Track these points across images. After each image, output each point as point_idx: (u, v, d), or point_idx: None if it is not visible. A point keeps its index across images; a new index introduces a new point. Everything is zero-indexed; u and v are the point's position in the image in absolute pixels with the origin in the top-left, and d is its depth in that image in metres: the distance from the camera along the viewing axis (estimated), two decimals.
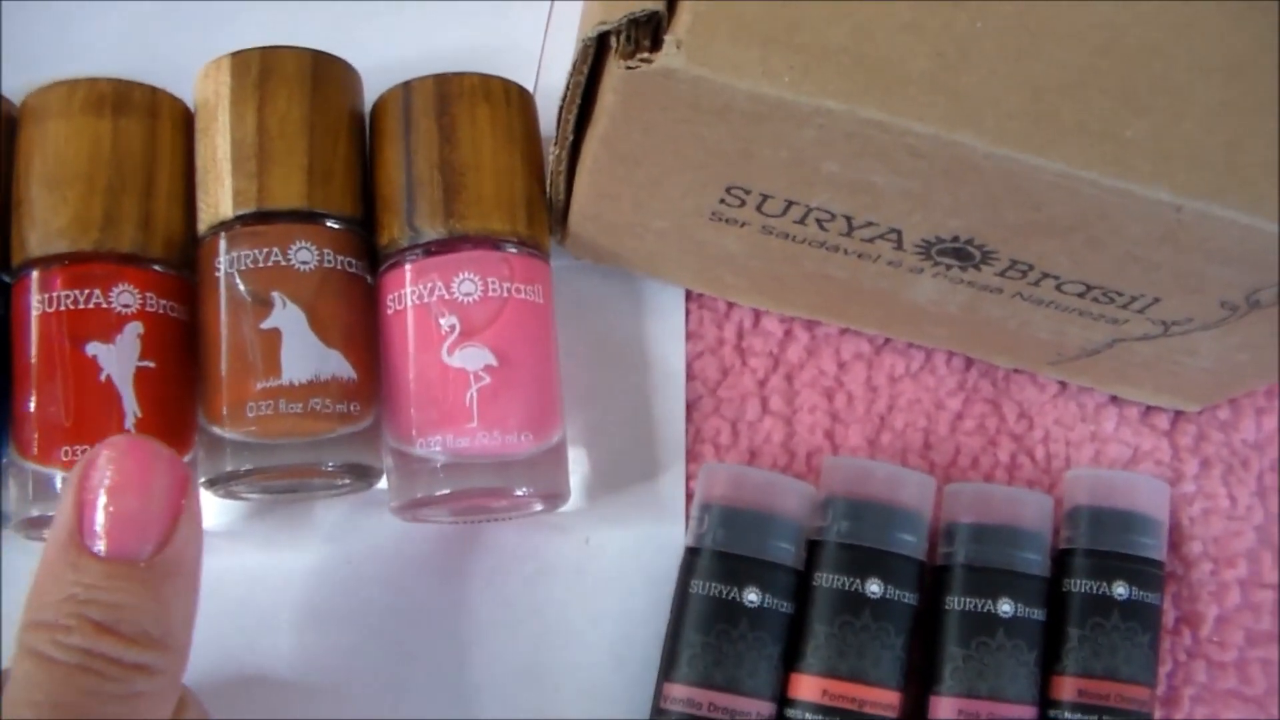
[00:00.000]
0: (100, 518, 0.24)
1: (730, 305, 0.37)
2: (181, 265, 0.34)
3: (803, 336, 0.37)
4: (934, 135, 0.28)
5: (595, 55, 0.29)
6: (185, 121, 0.35)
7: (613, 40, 0.28)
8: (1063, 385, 0.37)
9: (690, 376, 0.36)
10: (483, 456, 0.32)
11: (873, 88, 0.27)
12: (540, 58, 0.38)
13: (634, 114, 0.29)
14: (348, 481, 0.34)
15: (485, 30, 0.39)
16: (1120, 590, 0.34)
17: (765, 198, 0.31)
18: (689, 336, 0.37)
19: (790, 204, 0.31)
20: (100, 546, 0.24)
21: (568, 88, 0.30)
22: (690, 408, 0.36)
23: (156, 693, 0.24)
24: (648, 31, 0.28)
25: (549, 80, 0.36)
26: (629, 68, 0.27)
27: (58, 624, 0.23)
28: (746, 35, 0.27)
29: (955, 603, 0.34)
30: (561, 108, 0.31)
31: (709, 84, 0.27)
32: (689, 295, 0.37)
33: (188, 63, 0.35)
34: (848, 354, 0.37)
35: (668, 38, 0.27)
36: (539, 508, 0.34)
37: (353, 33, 0.34)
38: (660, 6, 0.27)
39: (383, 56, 0.36)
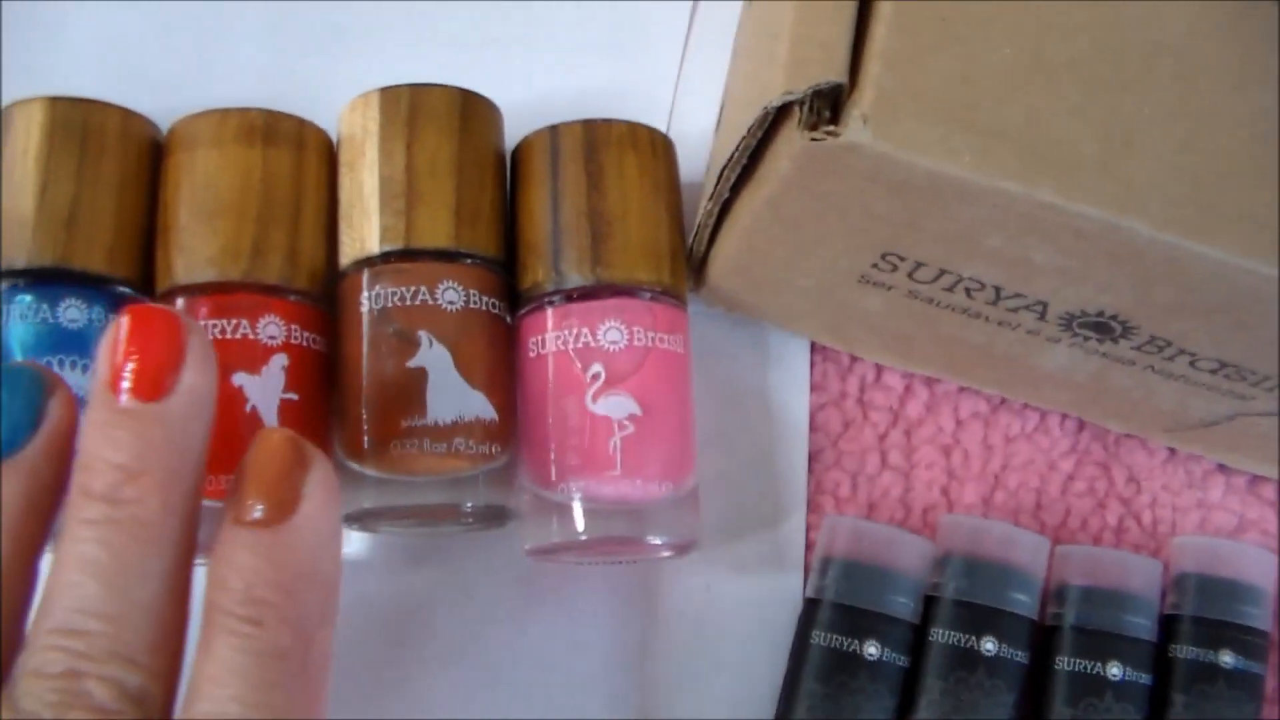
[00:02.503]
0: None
1: (853, 359, 0.38)
2: (321, 298, 0.34)
3: (922, 393, 0.37)
4: (1103, 219, 0.28)
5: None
6: (329, 154, 0.35)
7: (796, 110, 0.28)
8: (1171, 451, 0.38)
9: (813, 428, 0.37)
10: (623, 504, 0.32)
11: (1047, 171, 0.28)
12: (672, 106, 0.39)
13: (807, 182, 0.29)
14: (482, 521, 0.34)
15: (608, 74, 0.40)
16: (1227, 659, 0.35)
17: (919, 265, 0.31)
18: (813, 388, 0.37)
19: (943, 273, 0.31)
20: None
21: (737, 149, 0.30)
22: (812, 459, 0.37)
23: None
24: (828, 103, 0.28)
25: (678, 127, 0.37)
26: (814, 139, 0.28)
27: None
28: (928, 114, 0.28)
29: (1065, 663, 0.35)
30: (725, 166, 0.31)
31: (890, 160, 0.28)
32: (813, 346, 0.38)
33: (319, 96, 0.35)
34: (965, 412, 0.37)
35: (854, 112, 0.28)
36: (669, 554, 0.34)
37: (470, 72, 0.34)
38: (843, 80, 0.28)
39: (506, 97, 0.36)
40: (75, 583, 0.24)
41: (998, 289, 0.32)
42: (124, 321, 0.26)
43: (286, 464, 0.26)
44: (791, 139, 0.29)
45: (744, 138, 0.30)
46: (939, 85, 0.28)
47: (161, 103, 0.35)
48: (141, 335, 0.26)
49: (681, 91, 0.39)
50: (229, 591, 0.25)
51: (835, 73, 0.28)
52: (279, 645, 0.24)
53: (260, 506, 0.25)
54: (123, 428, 0.25)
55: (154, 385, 0.25)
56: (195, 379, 0.26)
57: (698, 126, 0.38)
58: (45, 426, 0.26)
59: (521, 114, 0.36)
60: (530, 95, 0.36)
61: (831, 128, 0.28)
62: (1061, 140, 0.28)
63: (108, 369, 0.26)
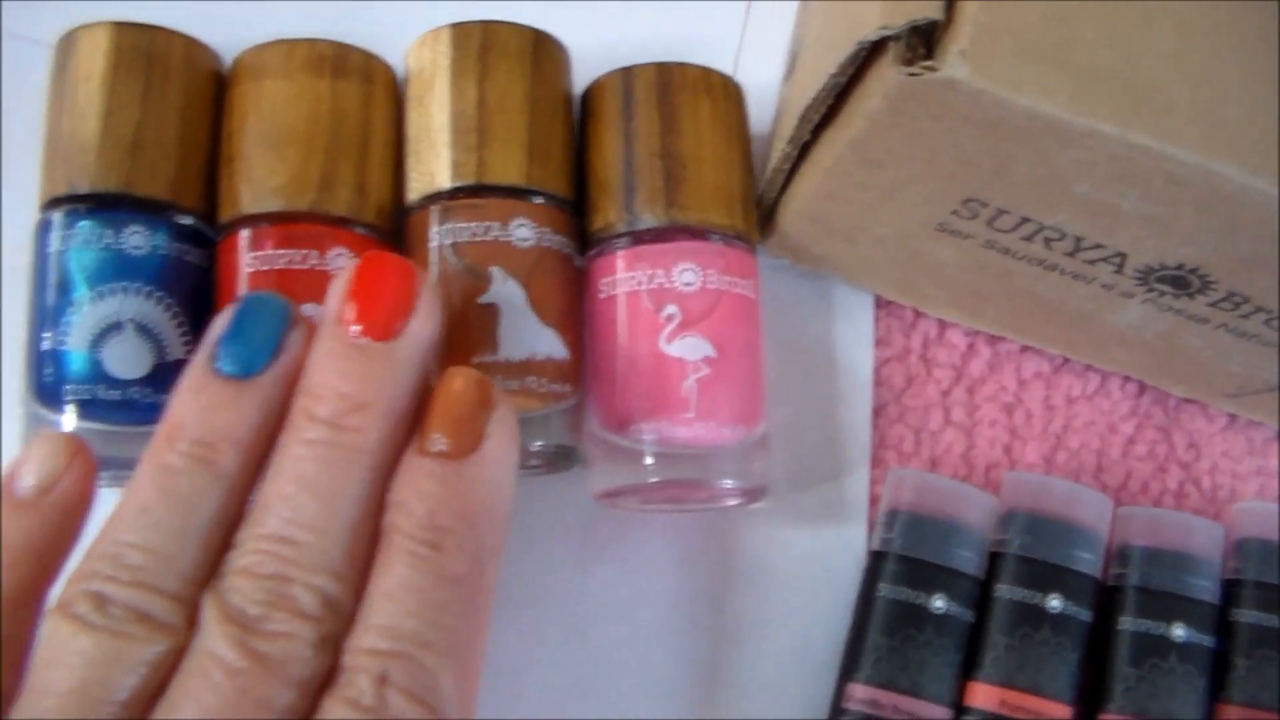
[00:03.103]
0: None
1: (917, 314, 0.37)
2: (387, 233, 0.33)
3: (985, 351, 0.37)
4: (1197, 164, 0.28)
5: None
6: (394, 89, 0.34)
7: (890, 46, 0.28)
8: (1231, 418, 0.38)
9: (876, 383, 0.36)
10: (695, 447, 0.32)
11: (1142, 113, 0.28)
12: (737, 56, 0.38)
13: (899, 120, 0.29)
14: (549, 463, 0.33)
15: (671, 23, 0.39)
16: None
17: (1001, 213, 0.31)
18: (876, 343, 0.37)
19: (1024, 220, 0.31)
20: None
21: (824, 87, 0.30)
22: (875, 413, 0.36)
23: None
24: (922, 39, 0.28)
25: (742, 78, 0.36)
26: (911, 74, 0.27)
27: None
28: (1026, 52, 0.28)
29: (1129, 623, 0.35)
30: (808, 107, 0.31)
31: (988, 97, 0.27)
32: (877, 302, 0.37)
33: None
34: (1028, 372, 0.37)
35: (952, 48, 0.27)
36: (737, 501, 0.34)
37: (529, 16, 0.34)
38: (940, 16, 0.28)
39: (568, 43, 0.35)
40: (291, 495, 0.26)
41: (1078, 239, 0.31)
42: (362, 263, 0.28)
43: (474, 402, 0.27)
44: (884, 75, 0.28)
45: (833, 74, 0.29)
46: (1035, 24, 0.28)
47: (220, 36, 0.34)
48: (379, 278, 0.28)
49: (746, 42, 0.38)
50: (411, 516, 0.26)
51: (933, 9, 0.28)
52: (455, 570, 0.25)
53: (446, 440, 0.27)
54: (353, 360, 0.27)
55: (385, 326, 0.27)
56: (421, 327, 0.28)
57: (762, 78, 0.37)
58: (283, 357, 0.27)
59: (584, 59, 0.35)
60: (593, 42, 0.35)
61: (929, 62, 0.27)
62: (1157, 83, 0.28)
63: (341, 304, 0.28)
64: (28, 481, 0.27)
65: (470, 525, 0.26)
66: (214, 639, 0.24)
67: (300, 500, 0.25)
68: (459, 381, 0.28)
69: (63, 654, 0.24)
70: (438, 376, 0.28)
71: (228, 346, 0.27)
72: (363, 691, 0.24)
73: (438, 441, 0.27)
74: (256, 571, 0.25)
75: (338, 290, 0.28)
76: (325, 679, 0.25)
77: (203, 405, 0.27)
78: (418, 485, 0.26)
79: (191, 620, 0.25)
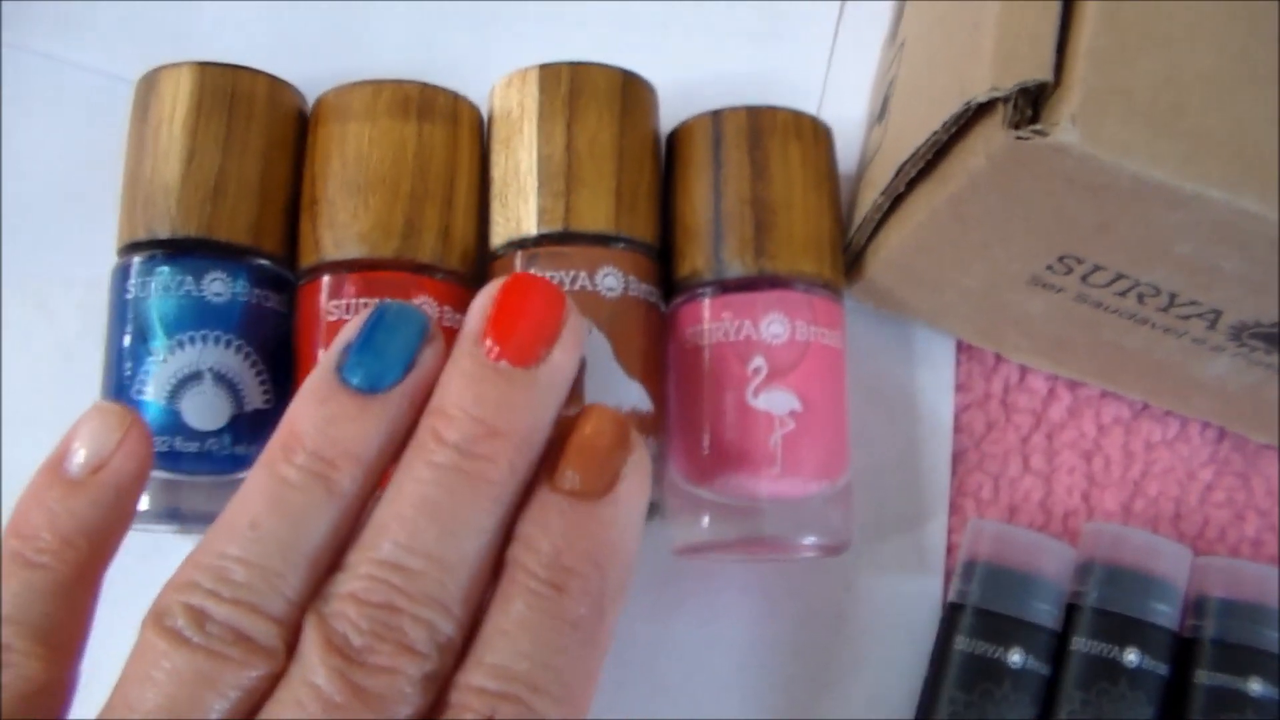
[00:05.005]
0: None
1: (998, 359, 0.37)
2: (470, 279, 0.33)
3: (1065, 396, 0.37)
4: None
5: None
6: (480, 130, 0.34)
7: (999, 107, 0.28)
8: None
9: (956, 429, 0.36)
10: (780, 502, 0.32)
11: (1250, 179, 0.27)
12: (821, 96, 0.38)
13: (1001, 181, 0.29)
14: None
15: (756, 61, 0.39)
16: None
17: (1097, 269, 0.31)
18: (957, 388, 0.36)
19: (1120, 277, 0.31)
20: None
21: (924, 143, 0.30)
22: (955, 460, 0.36)
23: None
24: (1030, 101, 0.27)
25: (826, 117, 0.36)
26: (1019, 138, 0.27)
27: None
28: (1135, 117, 0.27)
29: (1205, 678, 0.35)
30: (907, 161, 0.30)
31: (1096, 162, 0.27)
32: (959, 345, 0.37)
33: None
34: (1107, 417, 0.37)
35: (1064, 111, 0.27)
36: (817, 554, 0.34)
37: (612, 53, 0.33)
38: (1050, 78, 0.27)
39: (651, 80, 0.35)
40: (409, 519, 0.24)
41: (1173, 295, 0.31)
42: (506, 283, 0.27)
43: (612, 443, 0.26)
44: (991, 136, 0.28)
45: (936, 132, 0.29)
46: (1145, 88, 0.27)
47: (305, 71, 0.34)
48: (525, 301, 0.26)
49: (830, 81, 0.38)
50: (537, 554, 0.25)
51: (1042, 70, 0.27)
52: (576, 614, 0.25)
53: (580, 478, 0.26)
54: (491, 384, 0.26)
55: (528, 352, 0.26)
56: (564, 357, 0.26)
57: (847, 116, 0.37)
58: (415, 374, 0.26)
59: (665, 96, 0.35)
60: (674, 79, 0.35)
61: (1038, 126, 0.27)
62: (1266, 148, 0.28)
63: (483, 324, 0.26)
64: (78, 458, 0.26)
65: (596, 568, 0.25)
66: (314, 668, 0.23)
67: (419, 525, 0.24)
68: (599, 419, 0.27)
69: (153, 670, 0.23)
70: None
71: (358, 356, 0.26)
72: None
73: (572, 479, 0.26)
74: (365, 599, 0.24)
75: (480, 309, 0.27)
76: (427, 717, 0.24)
77: (325, 416, 0.25)
78: (546, 522, 0.25)
79: (291, 644, 0.24)
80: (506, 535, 0.26)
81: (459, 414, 0.25)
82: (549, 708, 0.24)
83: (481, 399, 0.25)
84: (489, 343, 0.26)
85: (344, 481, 0.25)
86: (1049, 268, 0.31)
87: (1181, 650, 0.35)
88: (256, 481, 0.25)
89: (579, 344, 0.27)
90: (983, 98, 0.27)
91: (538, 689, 0.24)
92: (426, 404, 0.26)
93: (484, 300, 0.27)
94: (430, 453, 0.25)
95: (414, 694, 0.23)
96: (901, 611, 0.35)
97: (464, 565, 0.24)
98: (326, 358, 0.26)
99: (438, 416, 0.25)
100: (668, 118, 0.35)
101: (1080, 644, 0.34)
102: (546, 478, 0.26)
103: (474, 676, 0.24)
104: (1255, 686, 0.34)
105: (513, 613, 0.24)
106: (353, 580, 0.24)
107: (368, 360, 0.26)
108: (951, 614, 0.34)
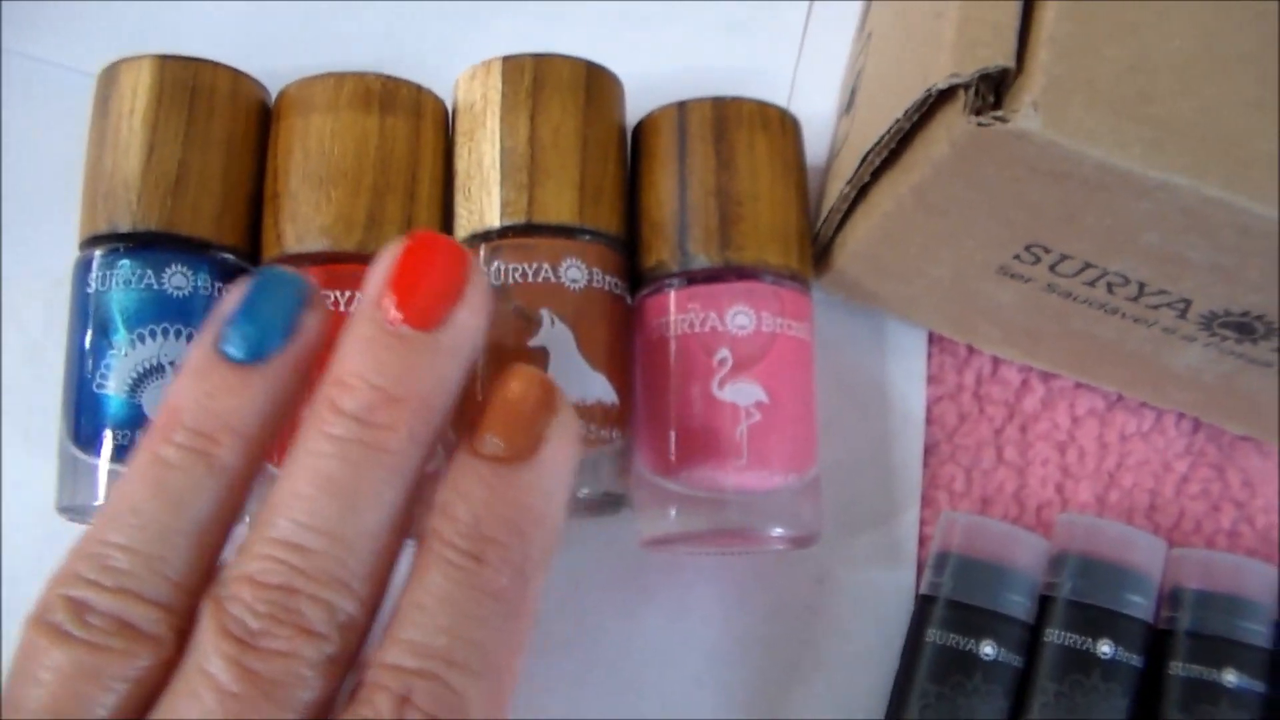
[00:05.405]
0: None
1: (970, 350, 0.37)
2: None
3: (1039, 388, 0.36)
4: (1270, 217, 0.27)
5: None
6: (445, 123, 0.34)
7: (960, 94, 0.27)
8: None
9: (929, 421, 0.36)
10: (746, 494, 0.31)
11: (1217, 166, 0.27)
12: (791, 87, 0.37)
13: (963, 169, 0.28)
14: (595, 508, 0.33)
15: (725, 53, 0.38)
16: None
17: (1064, 258, 0.30)
18: (929, 380, 0.36)
19: (1088, 266, 0.30)
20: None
21: (888, 131, 0.29)
22: (927, 452, 0.36)
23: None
24: (992, 87, 0.27)
25: (796, 109, 0.35)
26: (980, 124, 0.27)
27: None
28: (1100, 103, 0.27)
29: (1180, 669, 0.34)
30: (871, 150, 0.30)
31: (1059, 149, 0.27)
32: (930, 337, 0.37)
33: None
34: (1082, 409, 0.37)
35: (1025, 98, 0.26)
36: (785, 546, 0.33)
37: (579, 46, 0.33)
38: (1012, 64, 0.27)
39: (617, 72, 0.34)
40: (307, 496, 0.23)
41: (1142, 285, 0.31)
42: (407, 244, 0.25)
43: (536, 404, 0.25)
44: (953, 123, 0.27)
45: (898, 120, 0.29)
46: (1110, 75, 0.27)
47: (267, 65, 0.34)
48: (424, 261, 0.25)
49: (801, 73, 0.38)
50: (454, 523, 0.24)
51: (1004, 56, 0.27)
52: (496, 585, 0.24)
53: (500, 441, 0.24)
54: (389, 350, 0.24)
55: (429, 314, 0.25)
56: (469, 317, 0.25)
57: (817, 110, 0.37)
58: (297, 341, 0.25)
59: (634, 88, 0.34)
60: (645, 72, 0.35)
61: (1000, 113, 0.27)
62: (1233, 135, 0.27)
63: (381, 287, 0.25)
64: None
65: (518, 536, 0.24)
66: (208, 655, 0.22)
67: (317, 502, 0.23)
68: (520, 380, 0.25)
69: (36, 668, 0.22)
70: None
71: (236, 326, 0.25)
72: (381, 711, 0.22)
73: (492, 443, 0.24)
74: (261, 580, 0.23)
75: (379, 271, 0.25)
76: (331, 702, 0.23)
77: (204, 391, 0.24)
78: (465, 488, 0.24)
79: (182, 630, 0.23)
80: (418, 505, 0.25)
81: (357, 382, 0.24)
82: (469, 684, 0.23)
83: (381, 366, 0.24)
84: (388, 305, 0.24)
85: (225, 456, 0.24)
86: (1016, 257, 0.31)
87: (1156, 642, 0.35)
88: (137, 465, 0.24)
89: (485, 303, 0.26)
90: (944, 84, 0.27)
91: (456, 664, 0.23)
92: (316, 372, 0.25)
93: (384, 262, 0.25)
94: (327, 424, 0.24)
95: (314, 677, 0.23)
96: (874, 604, 0.35)
97: (366, 540, 0.23)
98: (205, 332, 0.25)
99: (334, 386, 0.24)
100: (639, 111, 0.34)
101: (1054, 635, 0.34)
102: (466, 442, 0.25)
103: (389, 654, 0.23)
104: (1230, 678, 0.34)
105: (430, 586, 0.23)
106: (249, 562, 0.23)
107: (245, 329, 0.25)
108: (923, 606, 0.34)
